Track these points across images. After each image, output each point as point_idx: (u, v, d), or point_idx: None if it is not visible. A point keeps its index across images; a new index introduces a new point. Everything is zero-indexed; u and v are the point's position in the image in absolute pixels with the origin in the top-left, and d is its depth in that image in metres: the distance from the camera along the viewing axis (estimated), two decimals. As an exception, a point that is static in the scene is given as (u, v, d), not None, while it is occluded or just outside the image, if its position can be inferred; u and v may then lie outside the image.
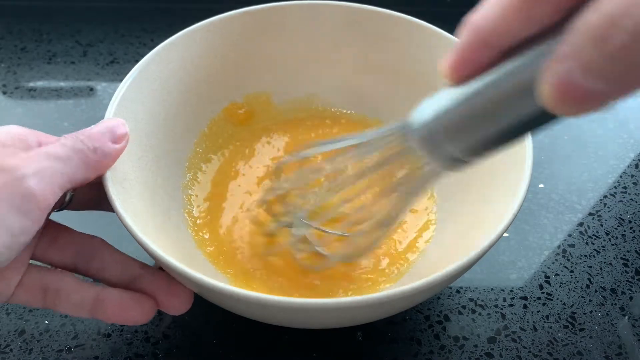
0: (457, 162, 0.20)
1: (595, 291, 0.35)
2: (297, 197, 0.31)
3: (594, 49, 0.14)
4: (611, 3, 0.14)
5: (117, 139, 0.27)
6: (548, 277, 0.36)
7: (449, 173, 0.22)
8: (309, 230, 0.31)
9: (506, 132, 0.18)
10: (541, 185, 0.41)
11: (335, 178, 0.28)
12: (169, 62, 0.36)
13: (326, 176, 0.29)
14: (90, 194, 0.29)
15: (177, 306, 0.28)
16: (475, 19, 0.17)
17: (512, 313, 0.34)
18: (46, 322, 0.33)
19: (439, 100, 0.20)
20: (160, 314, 0.33)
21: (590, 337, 0.33)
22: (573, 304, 0.34)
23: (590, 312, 0.34)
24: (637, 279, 0.36)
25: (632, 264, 0.37)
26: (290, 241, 0.32)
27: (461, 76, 0.19)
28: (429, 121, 0.20)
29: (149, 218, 0.30)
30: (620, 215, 0.40)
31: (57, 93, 0.48)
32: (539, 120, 0.17)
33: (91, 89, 0.48)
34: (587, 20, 0.14)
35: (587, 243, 0.38)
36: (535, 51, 0.16)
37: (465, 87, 0.19)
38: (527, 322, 0.34)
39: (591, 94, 0.15)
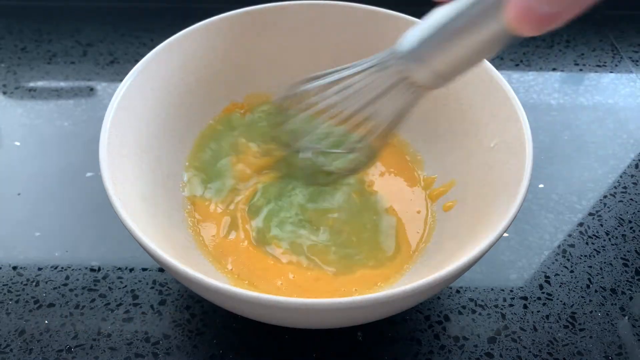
0: (439, 78, 0.24)
1: (595, 291, 0.35)
2: (301, 127, 0.33)
3: None
4: None
5: None
6: (548, 277, 0.36)
7: (431, 91, 0.25)
8: (313, 152, 0.34)
9: (477, 49, 0.22)
10: (541, 185, 0.41)
11: (336, 106, 0.29)
12: (169, 62, 0.36)
13: (326, 107, 0.30)
14: None
15: None
16: None
17: (512, 313, 0.34)
18: (46, 322, 0.33)
19: (423, 26, 0.23)
20: (160, 313, 0.33)
21: (591, 337, 0.33)
22: (573, 304, 0.34)
23: (591, 312, 0.34)
24: (637, 279, 0.36)
25: (632, 264, 0.37)
26: (300, 163, 0.34)
27: None
28: (416, 42, 0.24)
29: (149, 218, 0.30)
30: (620, 215, 0.40)
31: (57, 93, 0.48)
32: (501, 39, 0.21)
33: (91, 89, 0.48)
34: None
35: (587, 243, 0.38)
36: None
37: (445, 9, 0.22)
38: (527, 322, 0.34)
39: (547, 17, 0.18)
